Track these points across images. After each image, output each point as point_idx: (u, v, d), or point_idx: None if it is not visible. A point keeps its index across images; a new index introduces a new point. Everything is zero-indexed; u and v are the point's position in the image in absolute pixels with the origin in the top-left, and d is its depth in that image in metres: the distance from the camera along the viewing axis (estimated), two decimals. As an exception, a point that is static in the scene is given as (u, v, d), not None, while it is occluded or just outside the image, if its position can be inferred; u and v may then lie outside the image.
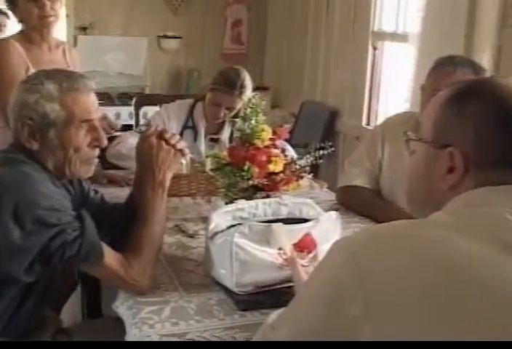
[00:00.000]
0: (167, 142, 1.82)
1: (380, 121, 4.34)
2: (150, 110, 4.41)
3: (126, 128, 3.84)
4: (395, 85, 4.35)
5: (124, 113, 5.02)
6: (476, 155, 1.08)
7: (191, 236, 2.19)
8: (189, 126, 3.14)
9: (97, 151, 1.78)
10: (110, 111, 5.12)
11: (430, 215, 1.09)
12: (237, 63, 5.64)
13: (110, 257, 1.68)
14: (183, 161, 2.67)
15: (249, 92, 2.92)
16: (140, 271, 1.70)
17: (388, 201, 2.55)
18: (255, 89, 5.61)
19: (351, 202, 2.60)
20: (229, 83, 2.95)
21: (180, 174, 2.63)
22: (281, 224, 1.73)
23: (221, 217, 1.81)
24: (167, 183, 1.82)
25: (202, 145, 3.11)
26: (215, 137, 3.13)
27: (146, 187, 1.80)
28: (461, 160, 1.09)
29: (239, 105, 2.95)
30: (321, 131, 4.87)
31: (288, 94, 5.70)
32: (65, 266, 1.67)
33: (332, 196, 2.76)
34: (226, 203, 2.19)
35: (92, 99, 1.75)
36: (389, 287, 0.95)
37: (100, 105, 5.18)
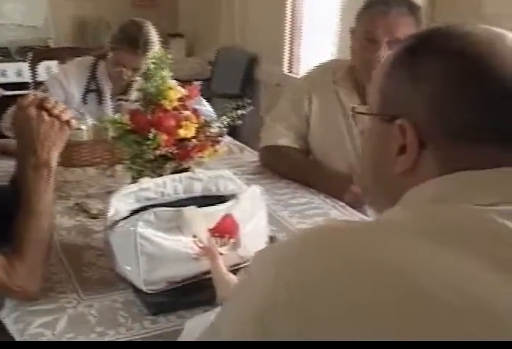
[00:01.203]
0: (49, 112, 1.48)
1: (302, 67, 4.06)
2: (53, 66, 4.04)
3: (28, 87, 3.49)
4: (319, 27, 4.01)
5: (26, 70, 4.58)
6: (431, 127, 0.81)
7: (95, 217, 1.88)
8: (92, 89, 2.79)
9: None
10: (10, 68, 4.71)
11: (385, 211, 0.83)
12: (148, 9, 5.29)
13: (-14, 259, 1.36)
14: (83, 127, 2.35)
15: (154, 49, 2.57)
16: (25, 275, 1.38)
17: (319, 161, 2.29)
18: (169, 35, 5.32)
19: (277, 164, 2.32)
20: (130, 41, 2.60)
21: (80, 141, 2.32)
22: (193, 207, 1.44)
23: (122, 200, 1.51)
24: (54, 163, 1.49)
25: (109, 108, 2.77)
26: (123, 98, 2.79)
27: (27, 169, 1.47)
28: (413, 134, 0.82)
29: (146, 63, 2.61)
30: (241, 79, 4.58)
31: (204, 41, 5.34)
32: None
33: (255, 157, 2.48)
34: (133, 177, 1.89)
35: None
36: (331, 321, 0.69)
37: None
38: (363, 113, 0.94)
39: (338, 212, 2.00)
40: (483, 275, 0.69)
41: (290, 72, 4.20)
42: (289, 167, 2.28)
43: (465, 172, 0.78)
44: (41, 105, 1.48)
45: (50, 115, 1.48)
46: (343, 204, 2.06)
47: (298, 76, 4.03)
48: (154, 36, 2.65)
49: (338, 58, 2.67)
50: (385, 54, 2.04)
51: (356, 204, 2.09)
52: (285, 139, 2.32)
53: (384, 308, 0.68)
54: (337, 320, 0.69)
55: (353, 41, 2.16)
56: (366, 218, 2.00)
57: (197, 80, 3.73)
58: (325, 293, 0.70)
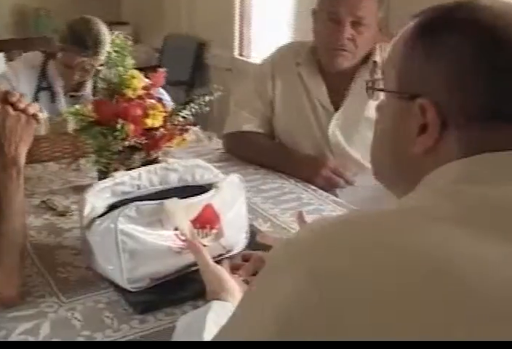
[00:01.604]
0: (14, 106, 1.40)
1: (254, 50, 4.00)
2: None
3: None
4: (269, 9, 3.94)
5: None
6: (453, 106, 0.77)
7: (62, 214, 1.80)
8: (44, 87, 2.70)
9: None
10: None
11: (407, 193, 0.79)
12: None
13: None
14: (41, 121, 2.25)
15: (106, 48, 2.48)
16: (2, 280, 1.31)
17: (285, 146, 2.24)
18: (113, 24, 5.19)
19: (243, 150, 2.27)
20: (79, 43, 2.52)
21: (38, 136, 2.22)
22: (175, 199, 1.38)
23: (97, 196, 1.44)
24: (22, 160, 1.41)
25: (62, 105, 2.69)
26: (77, 94, 2.71)
27: (-6, 168, 1.39)
28: (435, 114, 0.78)
29: (97, 64, 2.54)
30: (190, 66, 4.51)
31: (150, 28, 5.23)
32: None
33: (219, 144, 2.42)
34: (100, 170, 1.82)
35: None
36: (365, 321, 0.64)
37: None
38: (381, 90, 0.90)
39: (310, 196, 1.97)
40: None
41: (241, 55, 4.13)
42: (257, 153, 2.23)
43: (493, 154, 0.75)
44: (5, 99, 1.40)
45: (15, 109, 1.40)
46: (315, 188, 2.03)
47: (249, 60, 3.98)
48: (105, 34, 2.56)
49: (300, 40, 2.60)
50: (349, 34, 2.03)
51: (327, 187, 2.06)
52: (250, 125, 2.27)
53: (414, 296, 0.64)
54: (366, 314, 0.64)
55: (315, 22, 2.12)
56: (337, 200, 1.96)
57: (144, 68, 3.67)
58: (355, 288, 0.65)
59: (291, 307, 0.66)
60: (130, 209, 1.33)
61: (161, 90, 2.65)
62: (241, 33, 4.11)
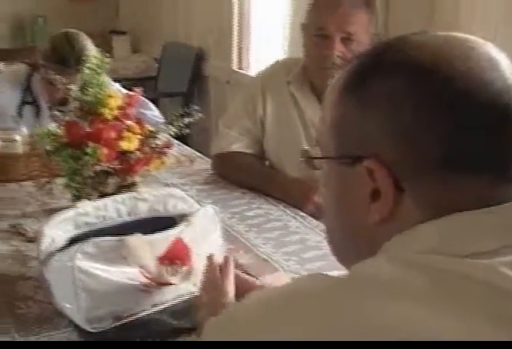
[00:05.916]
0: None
1: (253, 63, 3.91)
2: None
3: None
4: (269, 21, 3.84)
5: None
6: (403, 162, 0.66)
7: (31, 241, 1.70)
8: (28, 102, 2.60)
9: None
10: None
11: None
12: (87, 5, 5.08)
13: None
14: (18, 138, 2.16)
15: (90, 61, 2.39)
16: None
17: (276, 169, 2.13)
18: (111, 33, 5.12)
19: (230, 172, 2.15)
20: (61, 61, 2.42)
21: (14, 154, 2.13)
22: (139, 235, 1.27)
23: (58, 227, 1.34)
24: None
25: (46, 120, 2.59)
26: (63, 109, 2.62)
27: None
28: (385, 175, 0.67)
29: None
30: (188, 77, 4.40)
31: (148, 37, 5.14)
32: None
33: (207, 164, 2.31)
34: (74, 195, 1.72)
35: None
36: None
37: None
38: (318, 158, 0.77)
39: (298, 224, 1.85)
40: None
41: (240, 68, 4.02)
42: (244, 175, 2.11)
43: (456, 216, 0.64)
44: None
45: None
46: (304, 214, 1.91)
47: (248, 72, 3.88)
48: (89, 49, 2.45)
49: (296, 56, 2.49)
50: (339, 51, 1.92)
51: (317, 214, 1.94)
52: (239, 145, 2.16)
53: None
54: None
55: (305, 38, 2.01)
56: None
57: (143, 79, 3.56)
58: None
59: None
60: (88, 245, 1.23)
61: (150, 105, 2.57)
62: (240, 45, 4.00)
